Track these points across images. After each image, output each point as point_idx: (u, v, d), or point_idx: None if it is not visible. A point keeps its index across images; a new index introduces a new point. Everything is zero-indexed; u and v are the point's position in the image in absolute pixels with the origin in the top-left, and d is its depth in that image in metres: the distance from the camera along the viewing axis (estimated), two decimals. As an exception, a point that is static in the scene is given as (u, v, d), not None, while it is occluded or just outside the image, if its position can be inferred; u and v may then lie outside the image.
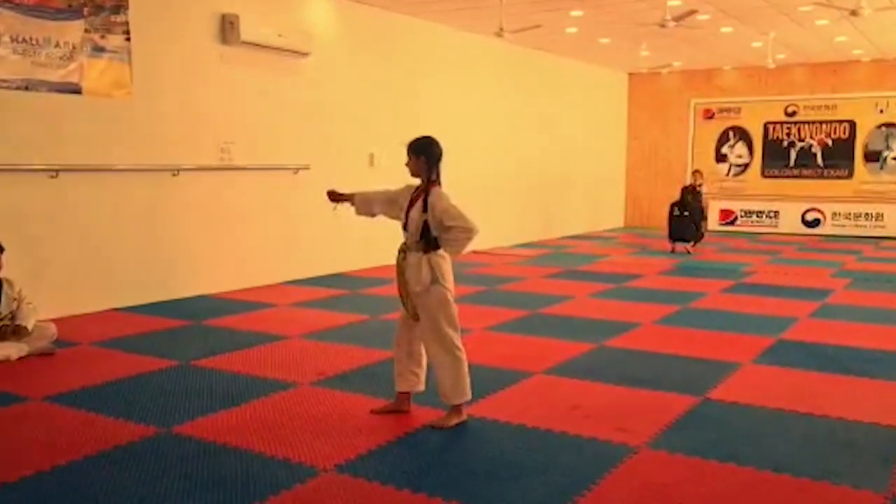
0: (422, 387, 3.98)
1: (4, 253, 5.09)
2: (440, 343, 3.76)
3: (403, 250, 3.82)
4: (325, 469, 3.26)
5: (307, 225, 8.43)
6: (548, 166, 13.03)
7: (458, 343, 3.80)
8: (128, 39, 6.61)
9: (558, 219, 13.61)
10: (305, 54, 8.23)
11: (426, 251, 3.73)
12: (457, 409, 3.82)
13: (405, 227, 3.82)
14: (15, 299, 5.17)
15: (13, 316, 5.12)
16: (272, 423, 3.78)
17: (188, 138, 7.21)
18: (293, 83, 8.26)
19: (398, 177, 9.78)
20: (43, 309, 5.44)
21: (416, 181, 3.86)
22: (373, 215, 4.05)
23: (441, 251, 3.76)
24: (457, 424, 3.77)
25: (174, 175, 7.04)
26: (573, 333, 5.87)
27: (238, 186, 7.71)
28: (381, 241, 9.41)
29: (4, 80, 5.82)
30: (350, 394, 4.32)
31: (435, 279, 3.72)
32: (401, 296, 3.86)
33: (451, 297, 3.78)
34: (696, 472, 3.29)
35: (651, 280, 8.75)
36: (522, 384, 4.55)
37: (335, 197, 4.05)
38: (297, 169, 8.26)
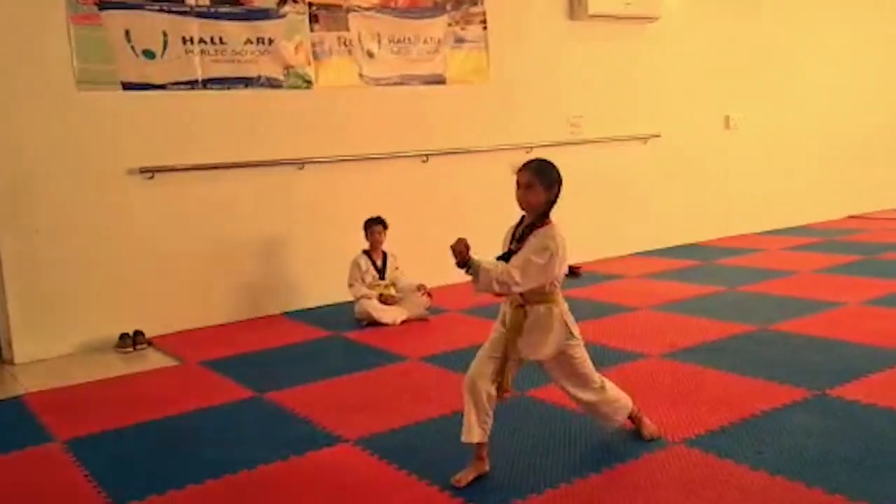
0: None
1: (387, 230, 5.89)
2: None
3: (521, 305, 3.06)
4: (674, 441, 3.19)
5: (658, 194, 8.26)
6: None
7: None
8: (485, 28, 7.09)
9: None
10: (654, 19, 8.01)
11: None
12: None
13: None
14: (396, 268, 5.95)
15: (395, 285, 5.89)
16: (621, 393, 3.79)
17: (540, 115, 7.52)
18: (641, 50, 8.11)
19: (757, 140, 9.07)
20: (417, 279, 6.11)
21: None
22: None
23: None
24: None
25: (527, 152, 7.38)
26: (981, 311, 4.92)
27: (588, 159, 7.81)
28: (738, 209, 8.89)
29: (384, 78, 6.64)
30: (701, 367, 4.16)
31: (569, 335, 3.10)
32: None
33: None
34: None
35: None
36: (910, 367, 3.95)
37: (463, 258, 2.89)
38: (647, 138, 8.12)
